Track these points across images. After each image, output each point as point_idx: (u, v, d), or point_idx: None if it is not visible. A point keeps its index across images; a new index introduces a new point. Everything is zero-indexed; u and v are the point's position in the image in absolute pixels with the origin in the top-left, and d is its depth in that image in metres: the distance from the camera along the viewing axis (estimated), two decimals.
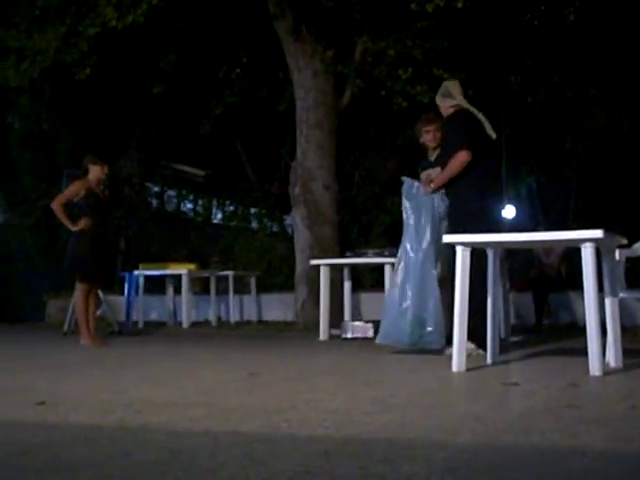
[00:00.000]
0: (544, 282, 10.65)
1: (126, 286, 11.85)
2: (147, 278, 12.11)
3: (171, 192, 20.96)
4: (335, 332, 8.72)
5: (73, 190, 8.11)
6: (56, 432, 3.02)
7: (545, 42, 11.70)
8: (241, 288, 12.79)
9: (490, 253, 5.32)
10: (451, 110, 6.42)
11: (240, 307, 12.78)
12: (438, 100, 6.59)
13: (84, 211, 8.04)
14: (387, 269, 8.34)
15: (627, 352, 5.26)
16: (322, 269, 8.83)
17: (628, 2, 11.13)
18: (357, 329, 8.61)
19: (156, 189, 19.63)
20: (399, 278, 6.47)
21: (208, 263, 13.96)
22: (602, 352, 4.74)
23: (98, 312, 9.22)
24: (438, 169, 6.50)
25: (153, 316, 12.86)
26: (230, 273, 12.34)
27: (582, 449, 2.60)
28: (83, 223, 7.93)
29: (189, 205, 22.05)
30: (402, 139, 13.86)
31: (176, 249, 15.82)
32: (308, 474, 2.26)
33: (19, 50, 10.46)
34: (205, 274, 12.73)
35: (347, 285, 9.42)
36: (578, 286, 5.14)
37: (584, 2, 10.33)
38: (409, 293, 6.38)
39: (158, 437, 2.90)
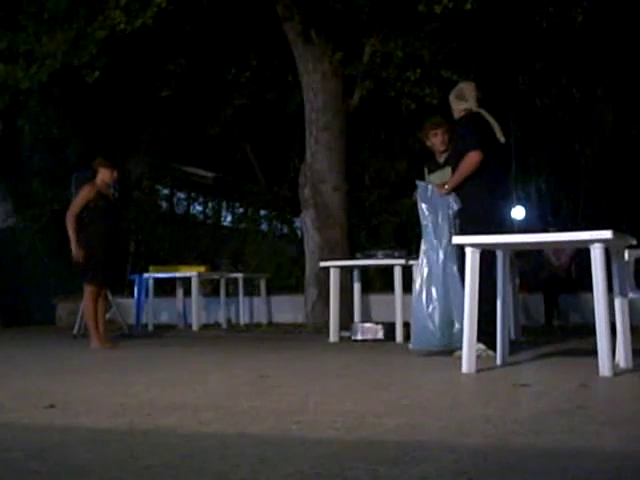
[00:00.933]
0: (554, 283, 10.64)
1: (136, 289, 11.89)
2: (157, 281, 12.12)
3: (181, 194, 20.96)
4: (345, 334, 8.73)
5: (84, 196, 8.07)
6: (66, 435, 3.02)
7: (553, 44, 11.69)
8: (251, 290, 12.82)
9: (499, 254, 5.32)
10: (462, 113, 6.44)
11: (250, 309, 12.80)
12: (451, 100, 6.59)
13: (94, 214, 8.04)
14: (397, 270, 8.34)
15: (637, 352, 5.25)
16: (332, 271, 8.82)
17: (636, 3, 11.11)
18: (367, 331, 8.59)
19: (165, 192, 19.62)
20: (423, 279, 6.46)
21: (218, 265, 13.97)
22: (612, 353, 4.73)
23: (108, 315, 9.23)
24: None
25: (163, 319, 12.86)
26: (240, 275, 12.37)
27: (593, 450, 2.59)
28: (81, 255, 7.92)
29: (199, 207, 22.06)
30: (411, 141, 13.85)
31: (186, 252, 15.84)
32: (318, 476, 2.26)
33: (28, 53, 10.47)
34: (215, 276, 12.73)
35: (357, 287, 9.39)
36: (588, 287, 5.13)
37: (592, 3, 10.32)
38: (434, 295, 6.38)
39: (168, 440, 2.90)
